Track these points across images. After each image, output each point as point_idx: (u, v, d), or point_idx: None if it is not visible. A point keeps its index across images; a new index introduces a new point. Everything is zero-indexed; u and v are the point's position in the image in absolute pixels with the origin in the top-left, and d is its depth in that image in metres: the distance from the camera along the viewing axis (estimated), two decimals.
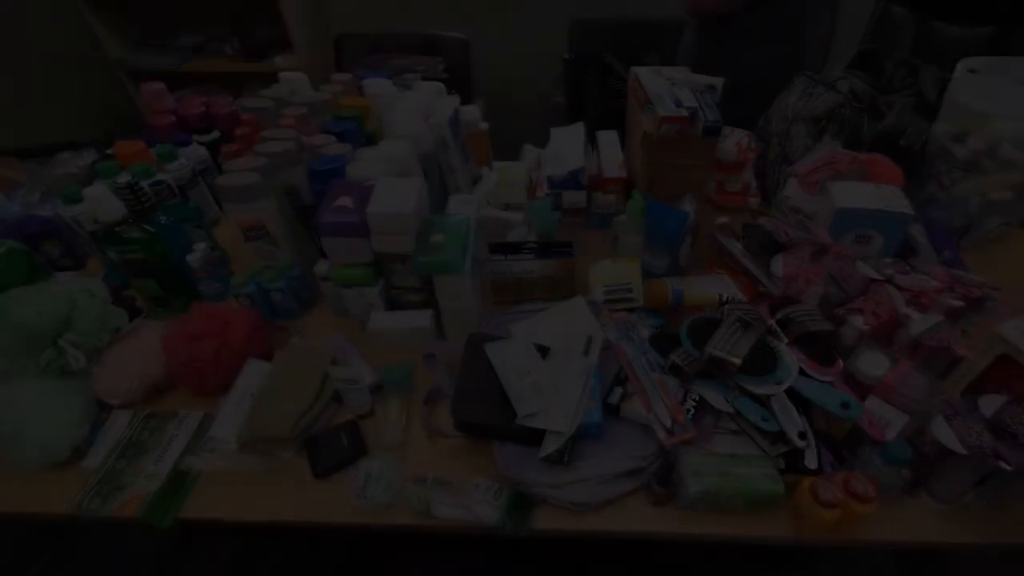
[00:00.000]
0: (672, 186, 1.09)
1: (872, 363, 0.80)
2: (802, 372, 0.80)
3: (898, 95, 1.21)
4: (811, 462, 0.74)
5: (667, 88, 1.08)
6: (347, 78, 1.37)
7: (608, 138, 1.34)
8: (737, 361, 0.77)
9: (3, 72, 2.31)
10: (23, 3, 2.36)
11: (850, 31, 1.83)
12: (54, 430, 0.81)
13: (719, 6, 1.44)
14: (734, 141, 1.26)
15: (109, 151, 1.19)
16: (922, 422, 0.73)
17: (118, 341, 0.92)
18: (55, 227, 1.14)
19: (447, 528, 0.76)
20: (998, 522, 0.75)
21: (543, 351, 0.87)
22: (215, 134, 1.33)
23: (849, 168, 1.09)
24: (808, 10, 1.46)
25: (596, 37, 2.28)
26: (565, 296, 1.03)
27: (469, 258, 0.92)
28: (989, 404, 0.71)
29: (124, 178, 0.96)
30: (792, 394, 0.78)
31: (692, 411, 0.79)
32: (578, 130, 1.33)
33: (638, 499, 0.78)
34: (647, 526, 0.76)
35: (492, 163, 1.37)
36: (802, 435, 0.74)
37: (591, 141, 1.36)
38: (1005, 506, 0.76)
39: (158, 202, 1.05)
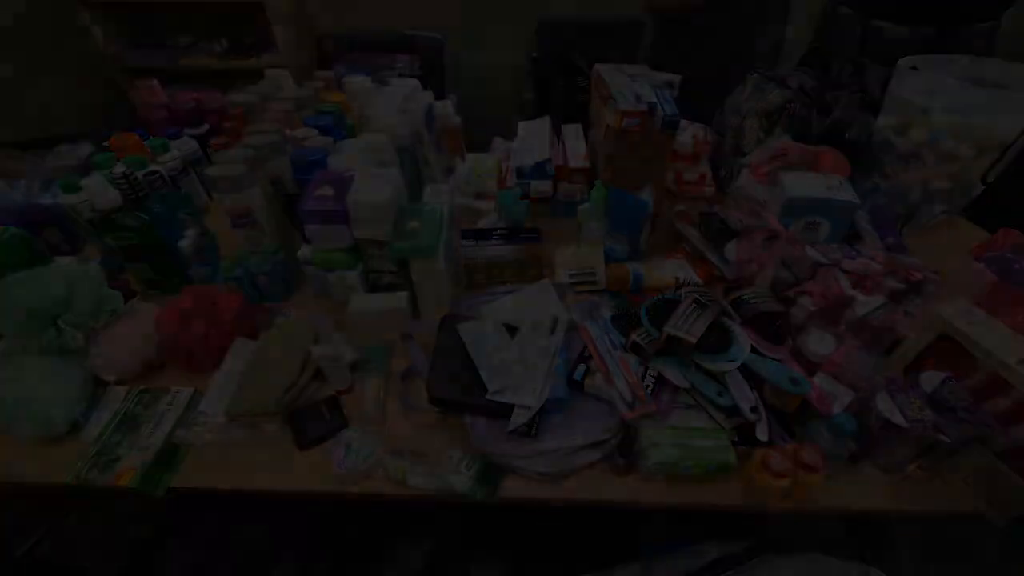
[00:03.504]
0: (633, 176, 1.04)
1: (820, 342, 0.76)
2: (754, 350, 0.75)
3: (844, 91, 1.17)
4: (762, 434, 0.70)
5: (628, 84, 1.02)
6: (328, 75, 1.30)
7: (573, 131, 1.28)
8: (693, 340, 0.72)
9: (5, 70, 2.18)
10: (25, 4, 2.23)
11: (800, 31, 1.76)
12: (54, 405, 0.76)
13: (675, 7, 1.39)
14: (691, 134, 1.23)
15: (106, 143, 1.12)
16: (867, 397, 0.69)
17: (114, 322, 0.86)
18: (55, 215, 1.07)
19: (422, 496, 0.71)
20: (937, 491, 0.71)
21: (512, 331, 0.82)
22: (205, 127, 1.27)
23: (799, 159, 1.05)
24: (760, 10, 1.40)
25: (562, 36, 2.21)
26: (533, 279, 0.98)
27: (443, 244, 0.87)
28: (929, 380, 0.67)
29: (120, 169, 0.92)
30: (745, 371, 0.73)
31: (651, 387, 0.74)
32: (544, 123, 1.29)
33: (601, 469, 0.74)
34: (609, 495, 0.71)
35: (464, 155, 1.31)
36: (754, 409, 0.70)
37: (557, 134, 1.30)
38: (943, 476, 0.72)
39: (152, 191, 1.00)
